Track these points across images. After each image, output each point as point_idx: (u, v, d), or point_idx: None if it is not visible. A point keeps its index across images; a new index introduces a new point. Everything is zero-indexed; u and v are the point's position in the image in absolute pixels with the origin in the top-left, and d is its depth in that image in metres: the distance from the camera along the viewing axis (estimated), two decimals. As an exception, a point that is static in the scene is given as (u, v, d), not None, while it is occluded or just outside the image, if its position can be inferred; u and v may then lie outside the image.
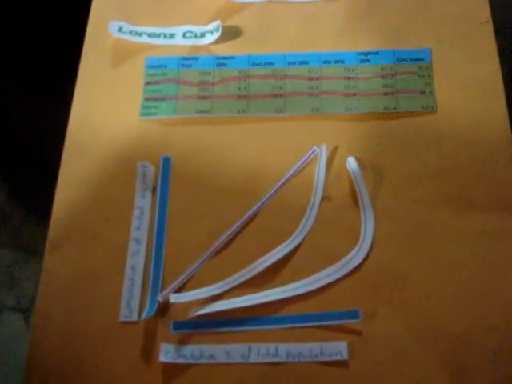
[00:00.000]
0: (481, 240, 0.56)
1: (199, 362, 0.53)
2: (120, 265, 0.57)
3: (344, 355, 0.52)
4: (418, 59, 0.64)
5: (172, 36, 0.66)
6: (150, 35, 0.66)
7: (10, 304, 1.17)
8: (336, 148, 0.60)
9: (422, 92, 0.62)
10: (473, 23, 0.65)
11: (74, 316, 0.55)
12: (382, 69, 0.64)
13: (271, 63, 0.65)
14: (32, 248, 1.09)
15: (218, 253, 0.57)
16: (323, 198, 0.58)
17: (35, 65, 1.25)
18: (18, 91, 1.25)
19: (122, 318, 0.55)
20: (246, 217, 0.58)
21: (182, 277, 0.56)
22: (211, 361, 0.53)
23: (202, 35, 0.66)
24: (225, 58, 0.65)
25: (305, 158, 0.60)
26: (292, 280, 0.55)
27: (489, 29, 0.65)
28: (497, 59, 0.63)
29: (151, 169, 0.60)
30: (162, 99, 0.64)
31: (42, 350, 0.54)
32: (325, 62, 0.64)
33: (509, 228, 0.56)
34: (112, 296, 0.56)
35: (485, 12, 0.66)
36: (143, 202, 0.59)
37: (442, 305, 0.54)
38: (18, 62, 1.24)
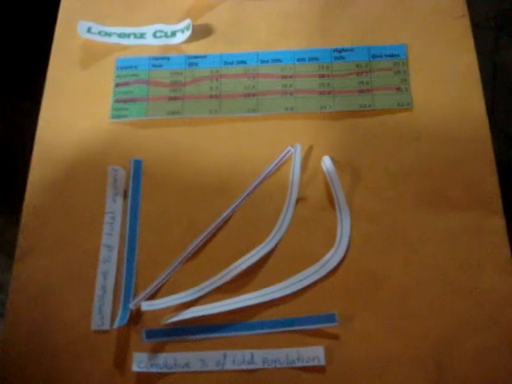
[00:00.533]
0: (460, 238, 0.55)
1: (173, 370, 0.52)
2: (92, 272, 0.55)
3: (321, 360, 0.51)
4: (393, 55, 0.63)
5: (142, 36, 0.65)
6: (119, 35, 0.65)
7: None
8: (311, 147, 0.59)
9: (398, 88, 0.61)
10: (449, 17, 0.64)
11: (44, 325, 0.54)
12: (357, 66, 0.62)
13: (243, 62, 0.63)
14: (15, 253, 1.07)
15: (191, 257, 0.56)
16: (299, 199, 0.57)
17: (6, 67, 1.23)
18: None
19: (93, 327, 0.53)
20: (219, 220, 0.56)
21: (155, 283, 0.54)
22: (186, 369, 0.52)
23: (173, 34, 0.65)
24: (196, 57, 0.64)
25: (279, 159, 0.59)
26: (267, 284, 0.54)
27: (465, 23, 0.64)
28: (474, 53, 0.62)
29: (122, 173, 0.59)
30: (133, 101, 0.62)
31: (13, 360, 0.53)
32: (298, 59, 0.63)
33: (488, 225, 0.55)
34: (84, 304, 0.54)
35: (461, 6, 0.65)
36: (114, 207, 0.58)
37: (421, 306, 0.53)
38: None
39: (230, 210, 0.57)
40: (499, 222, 0.55)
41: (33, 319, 0.54)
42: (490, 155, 0.58)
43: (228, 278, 0.54)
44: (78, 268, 0.56)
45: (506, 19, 1.41)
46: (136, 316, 0.53)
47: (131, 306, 0.53)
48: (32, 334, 0.54)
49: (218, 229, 0.56)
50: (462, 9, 0.64)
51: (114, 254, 0.56)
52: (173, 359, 0.52)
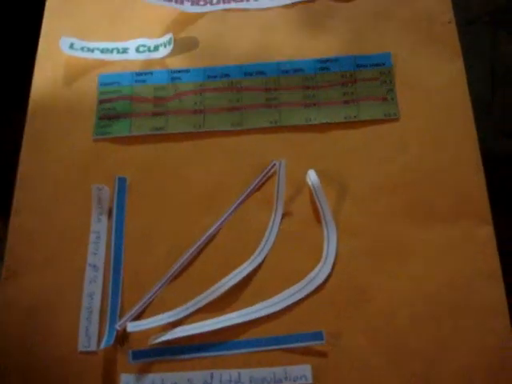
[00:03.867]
0: (448, 251, 0.54)
1: (160, 391, 0.51)
2: (78, 292, 0.55)
3: (308, 379, 0.51)
4: (378, 64, 0.62)
5: (125, 51, 0.64)
6: (102, 51, 0.64)
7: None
8: (296, 161, 0.58)
9: (384, 99, 0.60)
10: (435, 24, 0.63)
11: (30, 347, 0.53)
12: (342, 76, 0.62)
13: (227, 75, 0.62)
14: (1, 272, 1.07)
15: (177, 276, 0.55)
16: (284, 214, 0.57)
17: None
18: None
19: (80, 348, 0.53)
20: (204, 237, 0.56)
21: (140, 303, 0.54)
22: (173, 390, 0.51)
23: (156, 48, 0.64)
24: (179, 71, 0.63)
25: (264, 173, 0.58)
26: (254, 301, 0.53)
27: (452, 29, 0.63)
28: (461, 61, 0.61)
29: (107, 191, 0.58)
30: (117, 117, 0.62)
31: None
32: (283, 71, 0.62)
33: (476, 236, 0.55)
34: (70, 325, 0.54)
35: (447, 12, 0.64)
36: (99, 226, 0.57)
37: (409, 321, 0.52)
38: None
39: (215, 226, 0.56)
40: (488, 232, 0.55)
41: (19, 339, 0.54)
42: (478, 165, 0.57)
43: (214, 296, 0.53)
44: (64, 288, 0.55)
45: (503, 15, 1.39)
46: (123, 337, 0.53)
47: (117, 326, 0.53)
48: (18, 354, 0.53)
49: (204, 246, 0.56)
50: (448, 15, 0.63)
51: (100, 274, 0.56)
52: (160, 380, 0.51)
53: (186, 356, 0.52)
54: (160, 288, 0.55)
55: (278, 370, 0.51)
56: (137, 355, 0.52)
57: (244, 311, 0.53)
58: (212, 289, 0.54)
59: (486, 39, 1.39)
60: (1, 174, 1.16)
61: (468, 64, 0.61)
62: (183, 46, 0.65)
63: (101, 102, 0.63)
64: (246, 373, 0.51)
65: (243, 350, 0.52)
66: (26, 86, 0.65)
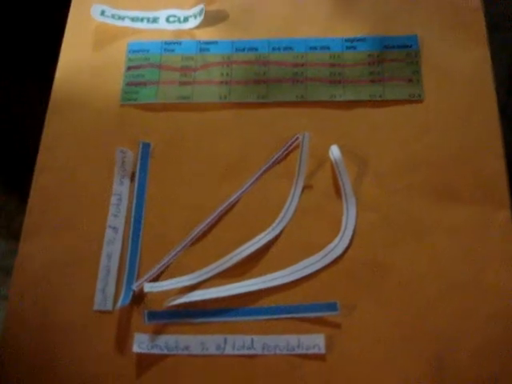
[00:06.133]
0: (466, 232, 0.55)
1: (174, 352, 0.52)
2: (96, 253, 0.56)
3: (321, 348, 0.51)
4: (405, 46, 0.62)
5: (155, 20, 0.65)
6: (132, 19, 0.65)
7: (5, 293, 1.16)
8: (320, 136, 0.59)
9: (410, 80, 0.61)
10: (463, 10, 0.64)
11: (47, 305, 0.54)
12: (369, 56, 0.62)
13: (255, 49, 0.63)
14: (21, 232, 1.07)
15: (195, 242, 0.56)
16: (305, 187, 0.57)
17: (19, 49, 1.24)
18: (5, 79, 1.23)
19: (96, 307, 0.54)
20: (224, 205, 0.56)
21: (158, 266, 0.55)
22: (186, 352, 0.52)
23: (186, 19, 0.65)
24: (208, 42, 0.64)
25: (287, 146, 0.58)
26: (271, 270, 0.54)
27: (479, 16, 0.63)
28: (487, 47, 0.62)
29: (130, 155, 0.59)
30: (144, 84, 0.62)
31: (14, 338, 0.53)
32: (310, 48, 0.63)
33: (495, 220, 0.55)
34: (87, 285, 0.54)
35: (476, -1, 0.64)
36: (121, 189, 0.58)
37: (424, 298, 0.52)
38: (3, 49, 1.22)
39: (236, 195, 0.57)
40: (506, 216, 0.55)
41: (36, 298, 0.54)
42: (499, 150, 0.58)
43: (232, 263, 0.54)
44: (82, 249, 0.56)
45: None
46: (139, 298, 0.54)
47: (134, 287, 0.53)
48: (34, 312, 0.54)
49: (224, 214, 0.56)
50: (476, 2, 0.64)
51: (119, 236, 0.56)
52: (174, 341, 0.52)
53: (201, 320, 0.53)
54: (178, 253, 0.55)
55: (292, 338, 0.51)
56: (152, 316, 0.53)
57: (260, 279, 0.54)
58: (229, 256, 0.54)
59: (506, 43, 1.39)
60: (9, 149, 1.17)
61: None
62: (213, 18, 0.65)
63: (129, 68, 0.63)
64: (259, 339, 0.52)
65: (257, 317, 0.53)
66: (49, 53, 0.66)
